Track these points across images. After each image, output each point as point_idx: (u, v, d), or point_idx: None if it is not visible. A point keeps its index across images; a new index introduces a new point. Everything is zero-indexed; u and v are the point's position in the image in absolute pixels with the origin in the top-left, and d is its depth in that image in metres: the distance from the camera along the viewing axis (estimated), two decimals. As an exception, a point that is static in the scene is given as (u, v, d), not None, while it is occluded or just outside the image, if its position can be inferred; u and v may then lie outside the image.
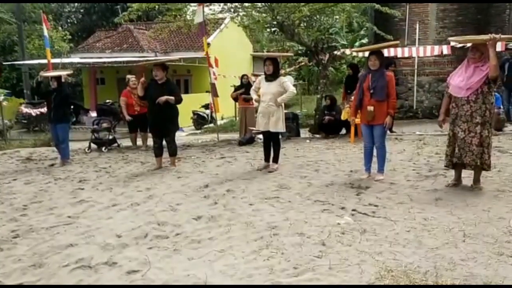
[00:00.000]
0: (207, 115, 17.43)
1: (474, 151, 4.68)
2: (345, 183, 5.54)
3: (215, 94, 10.41)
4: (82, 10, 33.87)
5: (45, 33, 12.07)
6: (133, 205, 4.99)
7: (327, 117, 9.80)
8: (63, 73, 8.71)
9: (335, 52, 11.51)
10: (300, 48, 24.75)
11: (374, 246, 3.43)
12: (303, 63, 21.66)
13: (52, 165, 7.96)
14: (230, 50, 20.41)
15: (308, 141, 9.55)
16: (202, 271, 3.14)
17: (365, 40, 23.05)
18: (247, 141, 9.68)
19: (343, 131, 10.06)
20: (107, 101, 10.62)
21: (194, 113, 17.54)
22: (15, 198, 5.54)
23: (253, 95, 6.66)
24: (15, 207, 5.15)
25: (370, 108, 5.41)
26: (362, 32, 25.05)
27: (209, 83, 10.82)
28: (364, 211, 4.34)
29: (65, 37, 26.01)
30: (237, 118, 14.59)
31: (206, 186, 5.72)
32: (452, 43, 8.87)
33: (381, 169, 5.64)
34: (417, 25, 13.21)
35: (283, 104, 6.45)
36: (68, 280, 3.12)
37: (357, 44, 24.52)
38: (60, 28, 28.51)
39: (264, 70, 6.44)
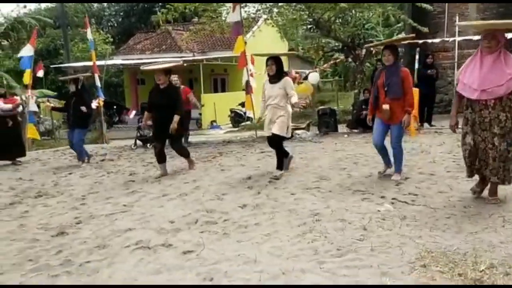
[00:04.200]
0: (244, 112, 17.76)
1: (490, 166, 4.03)
2: (384, 174, 5.65)
3: (248, 91, 10.62)
4: (121, 13, 35.03)
5: (90, 36, 12.72)
6: (182, 195, 5.31)
7: (364, 112, 9.86)
8: (79, 75, 8.74)
9: (372, 48, 11.54)
10: (336, 44, 24.67)
11: (414, 230, 3.58)
12: (338, 60, 21.63)
13: (103, 160, 8.46)
14: (265, 49, 20.64)
15: (346, 135, 9.66)
16: (251, 252, 3.39)
17: (402, 35, 22.72)
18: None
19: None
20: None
21: (231, 111, 17.93)
22: (73, 189, 6.00)
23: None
24: (74, 197, 5.59)
25: (386, 106, 5.09)
26: (399, 25, 24.67)
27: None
28: (404, 199, 4.48)
29: (107, 40, 27.02)
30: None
31: (249, 178, 5.99)
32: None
33: (398, 169, 5.35)
34: (457, 17, 12.99)
35: (289, 108, 5.86)
36: (130, 259, 3.44)
37: (394, 38, 24.17)
38: (101, 31, 29.60)
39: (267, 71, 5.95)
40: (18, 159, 8.82)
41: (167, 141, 6.57)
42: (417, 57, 10.78)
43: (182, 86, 10.20)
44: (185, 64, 16.42)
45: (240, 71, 10.93)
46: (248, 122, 16.73)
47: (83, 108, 7.74)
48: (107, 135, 13.15)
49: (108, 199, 5.35)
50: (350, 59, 15.24)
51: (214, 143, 10.51)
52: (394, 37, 5.68)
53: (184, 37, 19.70)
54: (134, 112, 17.26)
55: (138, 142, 10.26)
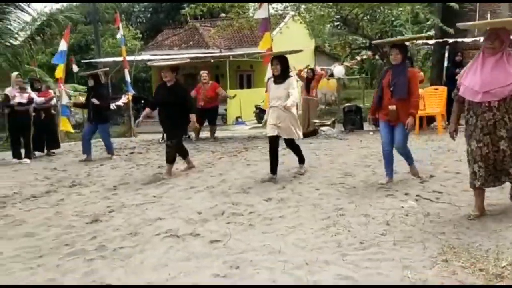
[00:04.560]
0: (269, 109, 17.86)
1: (499, 171, 3.72)
2: (409, 171, 5.66)
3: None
4: (150, 9, 35.56)
5: (120, 32, 13.04)
6: (209, 187, 5.47)
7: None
8: (99, 70, 8.85)
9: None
10: (363, 41, 24.48)
11: (437, 227, 3.63)
12: (365, 57, 21.47)
13: (132, 153, 8.72)
14: (292, 45, 20.67)
15: (371, 133, 9.64)
16: (276, 243, 3.51)
17: (431, 32, 22.35)
18: (310, 133, 9.96)
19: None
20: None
21: (256, 107, 18.03)
22: (105, 180, 6.25)
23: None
24: (106, 187, 5.84)
25: (392, 107, 4.87)
26: (429, 23, 24.24)
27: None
28: (428, 197, 4.51)
29: (136, 36, 27.53)
30: (299, 112, 14.90)
31: (274, 172, 6.09)
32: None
33: (411, 163, 5.25)
34: (488, 15, 12.74)
35: (294, 110, 5.68)
36: (160, 246, 3.61)
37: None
38: (130, 27, 30.15)
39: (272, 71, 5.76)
40: (52, 151, 9.20)
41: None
42: (446, 54, 10.66)
43: (210, 82, 10.39)
44: (212, 60, 16.63)
45: (265, 68, 11.02)
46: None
47: (94, 100, 7.82)
48: (135, 129, 13.47)
49: (138, 190, 5.56)
50: (377, 56, 15.14)
51: (240, 138, 10.66)
52: (406, 36, 5.38)
53: (212, 33, 19.95)
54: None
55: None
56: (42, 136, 9.02)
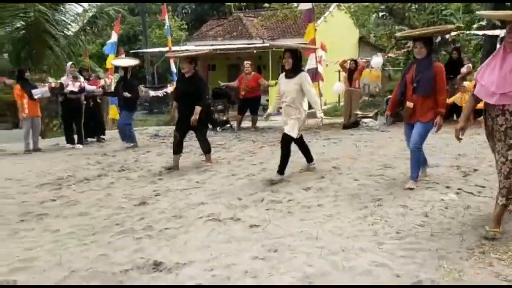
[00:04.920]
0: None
1: (501, 183, 3.31)
2: (452, 165, 5.60)
3: (313, 79, 10.65)
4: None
5: (167, 23, 13.42)
6: (249, 175, 5.63)
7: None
8: (131, 63, 9.08)
9: (447, 36, 11.11)
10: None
11: (476, 220, 3.61)
12: (411, 48, 20.90)
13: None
14: (336, 36, 20.45)
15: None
16: (313, 229, 3.62)
17: (484, 22, 21.42)
18: (352, 124, 9.91)
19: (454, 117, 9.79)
20: (222, 84, 11.57)
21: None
22: (151, 166, 6.56)
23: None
24: (152, 173, 6.13)
25: (410, 104, 4.55)
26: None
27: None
28: (470, 190, 4.46)
29: (181, 26, 28.08)
30: (341, 103, 14.80)
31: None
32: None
33: (413, 176, 4.69)
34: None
35: (304, 108, 5.40)
36: (203, 229, 3.80)
37: (475, 26, 22.83)
38: (176, 17, 30.76)
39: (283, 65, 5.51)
40: (102, 137, 9.69)
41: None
42: (498, 45, 10.25)
43: (253, 73, 10.54)
44: (255, 51, 16.73)
45: (306, 59, 11.02)
46: (313, 110, 16.80)
47: (127, 94, 8.22)
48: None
49: (182, 176, 5.80)
50: (424, 47, 14.71)
51: (280, 128, 10.72)
52: (430, 29, 4.94)
53: (255, 22, 20.06)
54: None
55: (209, 125, 10.74)
56: (90, 123, 9.50)
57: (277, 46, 15.84)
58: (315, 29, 10.78)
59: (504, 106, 3.20)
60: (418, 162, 4.70)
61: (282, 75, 5.54)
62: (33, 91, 8.57)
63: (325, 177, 5.35)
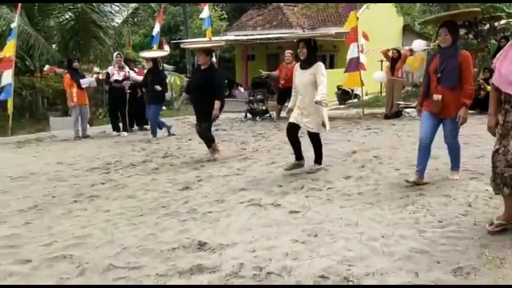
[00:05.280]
0: (351, 90, 17.59)
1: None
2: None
3: (355, 68, 10.51)
4: (235, -10, 36.17)
5: (206, 13, 13.56)
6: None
7: (482, 92, 9.30)
8: (159, 54, 9.15)
9: (496, 23, 10.67)
10: (456, 19, 22.92)
11: (523, 211, 3.53)
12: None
13: (217, 130, 9.21)
14: (379, 24, 20.02)
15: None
16: (353, 216, 3.66)
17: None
18: (394, 114, 9.76)
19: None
20: (263, 73, 11.66)
21: (338, 88, 17.84)
22: (194, 153, 6.76)
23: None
24: (194, 159, 6.33)
25: (438, 97, 4.20)
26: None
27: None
28: (516, 181, 4.34)
29: (222, 17, 28.28)
30: (383, 94, 14.54)
31: (354, 152, 6.18)
32: None
33: (455, 167, 4.58)
34: None
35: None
36: (244, 213, 3.92)
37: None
38: (216, 7, 31.03)
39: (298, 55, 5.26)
40: (145, 126, 10.01)
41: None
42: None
43: (293, 62, 10.53)
44: (295, 40, 16.66)
45: (348, 48, 10.88)
46: (355, 100, 16.58)
47: (157, 87, 8.30)
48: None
49: (223, 163, 5.95)
50: (471, 36, 14.19)
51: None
52: (453, 12, 4.48)
53: (296, 10, 19.92)
54: (242, 89, 18.13)
55: (248, 115, 10.89)
56: (135, 112, 9.82)
57: (315, 36, 15.81)
58: (357, 18, 10.65)
59: None
60: (458, 151, 4.53)
61: (297, 65, 5.30)
62: (81, 80, 8.97)
63: (366, 166, 5.35)
